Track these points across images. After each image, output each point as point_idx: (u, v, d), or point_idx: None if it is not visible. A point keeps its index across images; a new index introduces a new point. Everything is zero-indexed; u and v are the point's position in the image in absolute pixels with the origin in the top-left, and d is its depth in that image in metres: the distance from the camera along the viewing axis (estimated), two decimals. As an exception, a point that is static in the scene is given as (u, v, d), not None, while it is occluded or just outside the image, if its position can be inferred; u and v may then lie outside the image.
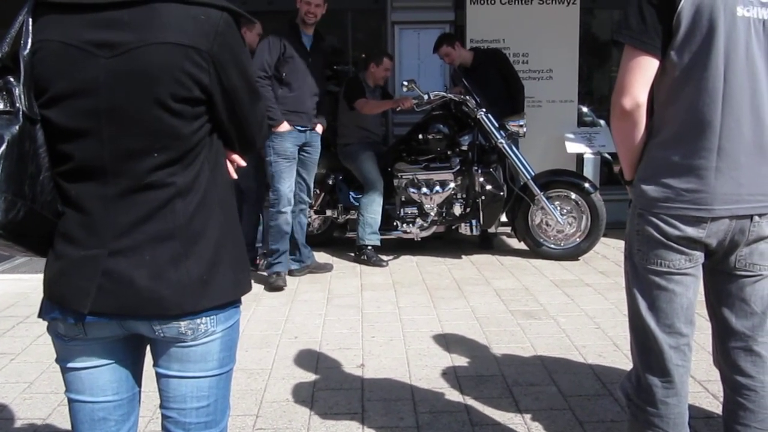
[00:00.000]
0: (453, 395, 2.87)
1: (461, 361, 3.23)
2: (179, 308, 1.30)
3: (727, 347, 1.83)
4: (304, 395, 2.88)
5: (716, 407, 2.66)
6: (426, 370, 3.13)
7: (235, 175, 1.46)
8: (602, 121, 7.21)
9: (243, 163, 1.46)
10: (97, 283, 1.27)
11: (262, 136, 1.49)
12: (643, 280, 1.76)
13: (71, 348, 1.36)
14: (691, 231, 1.68)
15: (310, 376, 3.08)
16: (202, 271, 1.31)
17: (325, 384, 3.00)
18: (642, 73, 1.63)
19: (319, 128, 4.74)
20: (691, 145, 1.66)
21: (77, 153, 1.25)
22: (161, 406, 1.43)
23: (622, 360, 3.19)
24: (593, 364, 3.17)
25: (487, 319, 3.83)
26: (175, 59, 1.22)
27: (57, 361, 1.41)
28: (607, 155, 6.43)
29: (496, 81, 5.49)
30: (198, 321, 1.33)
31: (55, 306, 1.31)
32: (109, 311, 1.29)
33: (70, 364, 1.38)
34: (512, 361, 3.22)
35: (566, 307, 4.04)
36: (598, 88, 7.50)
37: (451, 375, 3.07)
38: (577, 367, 3.15)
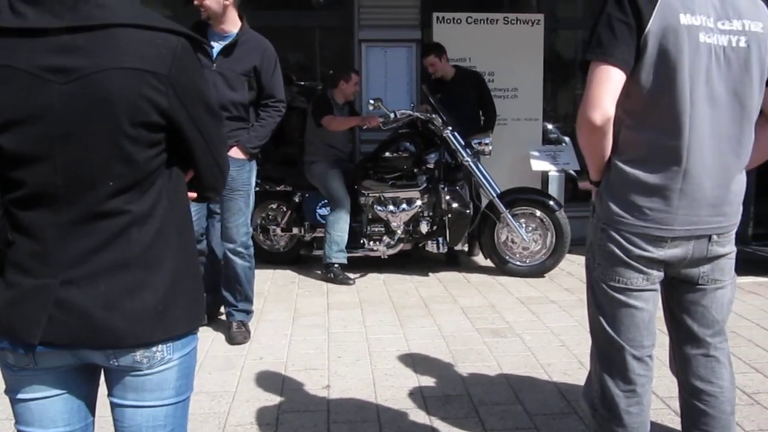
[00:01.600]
0: (419, 416, 2.85)
1: (427, 380, 3.22)
2: (134, 339, 1.27)
3: (688, 354, 1.86)
4: (268, 418, 2.84)
5: (677, 424, 2.68)
6: (392, 390, 3.11)
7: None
8: (567, 138, 7.30)
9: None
10: (48, 314, 1.23)
11: (228, 167, 1.47)
12: (603, 295, 1.79)
13: (21, 378, 1.32)
14: (652, 249, 1.71)
15: (275, 399, 3.03)
16: (158, 302, 1.28)
17: (290, 406, 2.96)
18: (611, 85, 1.64)
19: (233, 152, 3.58)
20: (659, 166, 1.69)
21: (29, 180, 1.22)
22: (116, 437, 1.39)
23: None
24: (558, 382, 3.18)
25: (453, 337, 3.83)
26: (132, 84, 1.20)
27: (6, 392, 1.37)
28: (572, 172, 6.53)
29: (471, 101, 5.67)
30: (154, 349, 1.30)
31: (4, 336, 1.27)
32: (60, 342, 1.25)
33: (19, 395, 1.34)
34: (478, 380, 3.22)
35: (532, 324, 4.06)
36: (562, 107, 7.62)
37: (417, 395, 3.05)
38: (543, 385, 3.16)
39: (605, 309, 1.79)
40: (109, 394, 1.37)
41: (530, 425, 2.75)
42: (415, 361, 3.46)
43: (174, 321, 1.31)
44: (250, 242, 3.87)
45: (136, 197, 1.26)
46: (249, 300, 3.93)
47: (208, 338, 3.79)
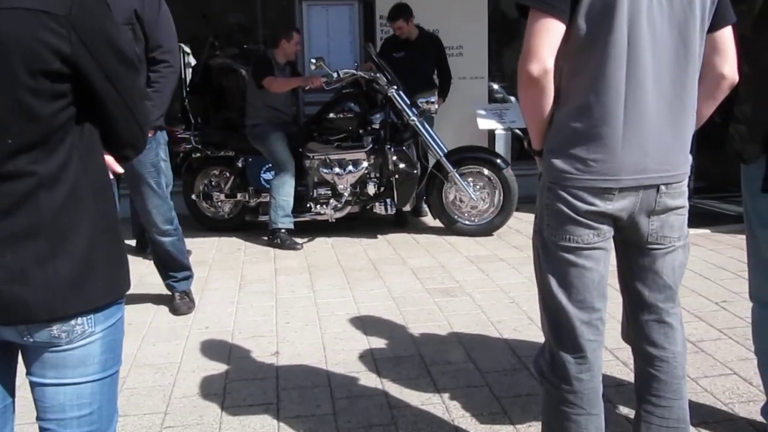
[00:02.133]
0: (370, 379, 2.80)
1: (378, 342, 3.17)
2: (47, 313, 1.16)
3: (640, 320, 1.83)
4: (215, 388, 2.75)
5: (626, 375, 2.71)
6: (342, 354, 3.05)
7: (120, 169, 1.31)
8: (513, 98, 7.28)
9: (119, 170, 1.31)
10: None
11: (148, 122, 1.34)
12: (553, 256, 1.73)
13: None
14: (600, 203, 1.66)
15: (221, 368, 2.94)
16: (74, 272, 1.17)
17: (238, 375, 2.87)
18: (549, 37, 1.57)
19: None
20: (597, 114, 1.62)
21: None
22: (38, 418, 1.29)
23: (537, 333, 3.21)
24: (509, 339, 3.18)
25: (403, 298, 3.79)
26: (26, 26, 1.07)
27: None
28: (518, 131, 6.53)
29: (430, 64, 5.69)
30: (72, 323, 1.20)
31: None
32: None
33: None
34: (429, 340, 3.19)
35: (481, 282, 4.05)
36: (507, 65, 7.57)
37: (368, 358, 3.00)
38: (494, 342, 3.15)
39: (555, 271, 1.72)
40: (28, 373, 1.26)
41: (482, 383, 2.74)
42: (365, 324, 3.41)
43: (94, 291, 1.20)
44: (173, 215, 3.60)
45: (43, 157, 1.13)
46: (186, 267, 3.76)
47: (150, 310, 3.66)
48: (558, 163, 1.67)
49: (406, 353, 3.05)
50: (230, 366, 2.96)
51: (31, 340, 1.19)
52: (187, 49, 7.21)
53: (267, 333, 3.33)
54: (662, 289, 1.79)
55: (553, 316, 1.76)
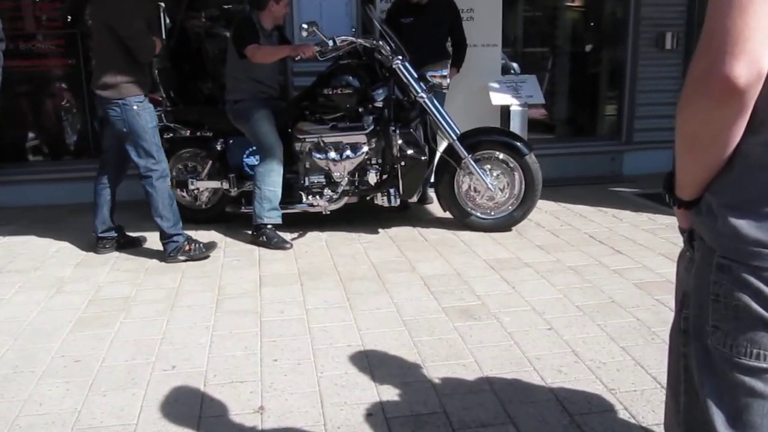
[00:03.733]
0: (383, 454, 2.14)
1: (390, 392, 2.50)
2: None
3: None
4: (179, 468, 2.08)
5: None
6: (345, 411, 2.38)
7: None
8: (515, 65, 6.51)
9: None
10: None
11: None
12: (722, 377, 1.04)
13: None
14: None
15: (188, 433, 2.27)
16: None
17: (210, 445, 2.20)
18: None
19: None
20: None
21: None
22: None
23: (587, 376, 2.56)
24: (554, 386, 2.52)
25: (416, 322, 3.10)
26: None
27: None
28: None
29: (444, 31, 4.97)
30: None
31: None
32: None
33: None
34: (455, 389, 2.52)
35: (508, 298, 3.37)
36: (520, 30, 6.80)
37: (378, 417, 2.33)
38: (535, 391, 2.49)
39: (723, 399, 1.04)
40: None
41: (530, 460, 2.09)
42: (372, 362, 2.73)
43: None
44: None
45: None
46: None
47: (106, 339, 2.97)
48: (746, 227, 0.97)
49: (425, 409, 2.38)
50: (199, 431, 2.28)
51: None
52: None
53: (249, 376, 2.64)
54: None
55: None
